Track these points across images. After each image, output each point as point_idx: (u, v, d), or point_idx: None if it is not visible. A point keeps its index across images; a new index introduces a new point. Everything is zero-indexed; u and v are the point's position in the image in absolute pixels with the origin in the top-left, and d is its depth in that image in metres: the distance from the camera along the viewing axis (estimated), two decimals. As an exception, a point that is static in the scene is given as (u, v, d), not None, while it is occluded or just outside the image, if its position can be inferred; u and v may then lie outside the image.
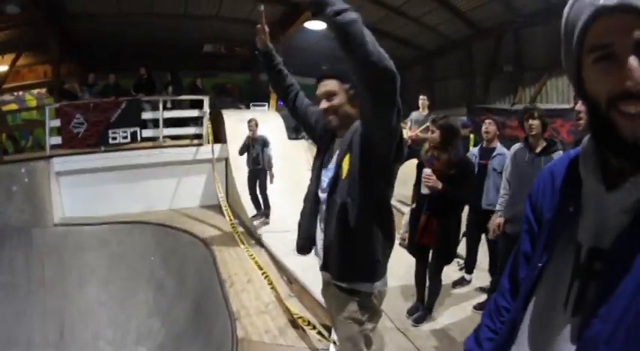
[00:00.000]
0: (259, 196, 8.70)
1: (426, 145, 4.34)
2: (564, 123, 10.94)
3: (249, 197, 8.82)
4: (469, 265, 5.75)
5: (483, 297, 5.16)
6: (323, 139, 2.66)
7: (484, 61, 15.08)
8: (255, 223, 8.70)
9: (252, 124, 8.53)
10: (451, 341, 4.34)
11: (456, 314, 4.92)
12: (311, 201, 2.61)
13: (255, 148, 8.49)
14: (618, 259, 0.92)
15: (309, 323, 4.95)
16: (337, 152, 2.46)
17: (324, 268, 2.59)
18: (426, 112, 8.81)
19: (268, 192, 8.69)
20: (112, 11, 11.70)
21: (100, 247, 8.91)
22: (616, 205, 0.96)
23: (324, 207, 2.50)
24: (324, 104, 2.40)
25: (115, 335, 7.94)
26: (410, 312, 4.79)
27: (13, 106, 13.47)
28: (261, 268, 6.58)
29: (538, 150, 4.12)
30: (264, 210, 8.71)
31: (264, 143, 8.52)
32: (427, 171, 3.95)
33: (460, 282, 5.70)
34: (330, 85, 2.40)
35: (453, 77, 16.39)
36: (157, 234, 8.97)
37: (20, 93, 13.84)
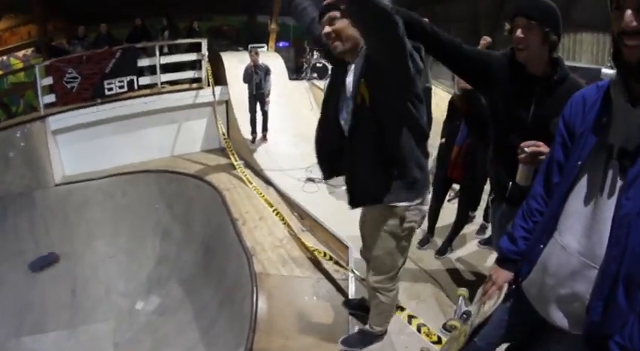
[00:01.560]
0: (260, 118, 9.45)
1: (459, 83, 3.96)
2: None
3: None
4: (473, 202, 5.60)
5: (488, 233, 5.21)
6: (336, 63, 2.78)
7: (490, 9, 15.02)
8: (253, 143, 9.42)
9: (253, 53, 9.21)
10: (462, 271, 4.71)
11: (465, 248, 5.18)
12: (332, 129, 2.76)
13: (259, 75, 9.12)
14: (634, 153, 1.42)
15: (325, 254, 5.08)
16: (351, 80, 2.49)
17: (350, 193, 2.75)
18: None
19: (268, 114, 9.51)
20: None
21: (104, 201, 8.73)
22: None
23: (347, 136, 2.60)
24: (327, 29, 2.41)
25: (127, 286, 7.78)
26: (421, 243, 5.11)
27: (-2, 72, 13.10)
28: (271, 206, 6.59)
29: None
30: (262, 131, 9.53)
31: (267, 71, 9.26)
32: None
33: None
34: (335, 11, 2.38)
35: (456, 22, 16.16)
36: (161, 181, 8.84)
37: (4, 58, 13.35)
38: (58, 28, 12.41)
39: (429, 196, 2.85)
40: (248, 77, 9.16)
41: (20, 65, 12.66)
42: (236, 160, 8.59)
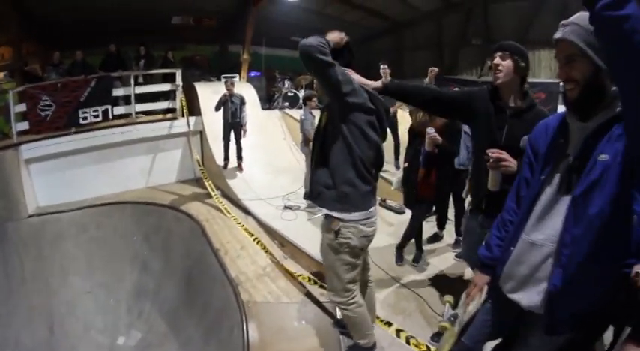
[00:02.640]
0: (234, 147, 9.65)
1: (419, 114, 5.04)
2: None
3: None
4: (441, 222, 6.37)
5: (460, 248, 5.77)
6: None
7: (453, 33, 16.12)
8: (226, 171, 9.64)
9: (229, 83, 9.50)
10: (441, 284, 5.10)
11: (441, 264, 5.66)
12: None
13: (234, 104, 9.42)
14: (583, 158, 1.87)
15: (309, 279, 5.37)
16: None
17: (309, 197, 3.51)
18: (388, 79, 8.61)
19: (242, 144, 9.72)
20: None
21: (79, 234, 8.58)
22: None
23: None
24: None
25: (106, 322, 7.65)
26: (416, 260, 5.62)
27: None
28: (252, 235, 6.72)
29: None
30: (237, 160, 9.73)
31: (242, 100, 9.58)
32: (431, 130, 4.62)
33: (435, 237, 6.40)
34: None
35: (422, 48, 17.31)
36: (137, 213, 8.76)
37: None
38: (31, 52, 12.27)
39: (374, 220, 3.29)
40: (221, 105, 9.39)
41: (-7, 89, 12.52)
42: (213, 191, 8.61)
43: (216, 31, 16.00)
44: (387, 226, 7.09)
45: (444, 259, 5.77)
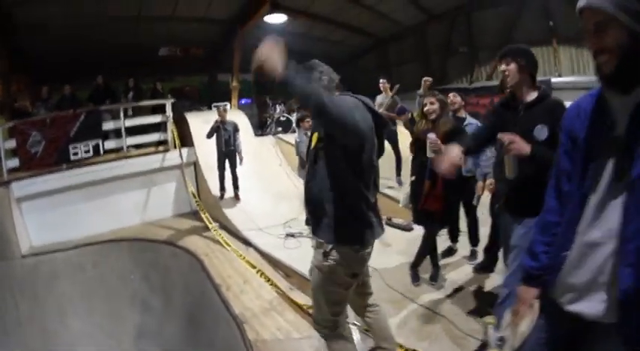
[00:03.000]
0: (230, 176, 9.59)
1: (419, 121, 5.00)
2: None
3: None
4: (453, 234, 6.21)
5: (479, 259, 5.76)
6: None
7: (439, 44, 16.27)
8: (222, 201, 9.56)
9: (221, 110, 9.55)
10: (464, 300, 4.90)
11: (460, 278, 5.46)
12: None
13: (227, 131, 9.36)
14: (633, 136, 1.61)
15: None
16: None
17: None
18: (389, 93, 8.97)
19: (238, 172, 9.61)
20: (62, 19, 11.16)
21: (75, 274, 8.42)
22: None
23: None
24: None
25: (109, 367, 7.48)
26: (433, 278, 5.39)
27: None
28: (254, 267, 6.61)
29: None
30: (234, 190, 9.67)
31: (235, 128, 9.53)
32: (432, 136, 4.38)
33: (449, 251, 6.20)
34: None
35: (409, 62, 17.35)
36: (134, 250, 8.61)
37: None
38: (22, 88, 12.18)
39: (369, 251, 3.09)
40: (214, 132, 9.31)
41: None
42: (210, 223, 8.54)
43: (204, 60, 16.07)
44: (397, 244, 6.93)
45: (462, 273, 5.59)
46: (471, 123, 5.49)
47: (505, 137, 2.95)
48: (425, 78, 6.80)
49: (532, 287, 2.07)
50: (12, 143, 9.42)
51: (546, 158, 2.64)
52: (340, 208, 2.85)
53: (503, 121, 3.38)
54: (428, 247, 5.31)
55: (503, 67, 3.33)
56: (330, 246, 2.86)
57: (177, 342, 6.89)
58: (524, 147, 2.94)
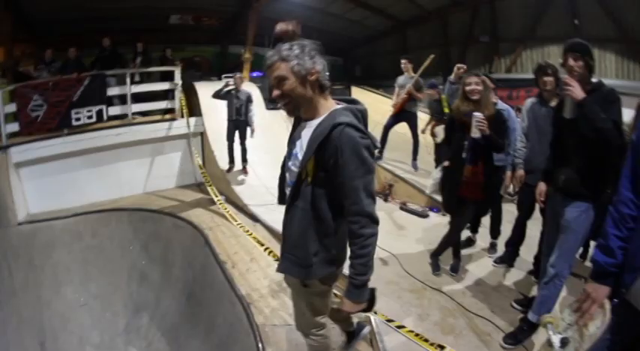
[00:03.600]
0: (239, 148, 9.21)
1: (459, 102, 4.60)
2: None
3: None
4: (475, 225, 6.07)
5: (499, 253, 5.66)
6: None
7: (460, 31, 15.99)
8: (230, 174, 9.16)
9: (238, 78, 9.13)
10: (486, 294, 4.72)
11: (479, 271, 5.29)
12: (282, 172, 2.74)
13: (240, 100, 8.92)
14: None
15: (335, 295, 4.59)
16: (302, 143, 2.44)
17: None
18: (412, 74, 8.72)
19: (247, 145, 9.22)
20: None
21: (72, 242, 8.20)
22: None
23: (288, 188, 2.59)
24: (275, 92, 2.36)
25: (103, 337, 7.22)
26: (454, 270, 5.22)
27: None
28: (262, 244, 6.10)
29: (553, 104, 4.35)
30: (242, 163, 9.30)
31: (249, 98, 9.06)
32: (479, 115, 4.23)
33: (468, 242, 6.02)
34: (279, 69, 2.32)
35: (428, 47, 16.41)
36: (134, 220, 8.37)
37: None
38: (27, 53, 11.94)
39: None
40: (225, 96, 8.90)
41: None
42: (216, 196, 8.27)
43: (216, 31, 15.76)
44: (413, 231, 6.74)
45: (482, 266, 5.42)
46: (502, 109, 5.17)
47: (567, 79, 3.18)
48: (458, 65, 6.48)
49: (604, 285, 1.94)
50: (12, 107, 9.21)
51: (594, 114, 3.05)
52: (328, 247, 2.53)
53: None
54: (455, 237, 5.16)
55: (571, 62, 3.29)
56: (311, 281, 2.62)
57: (175, 317, 6.62)
58: (579, 93, 3.12)
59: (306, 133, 2.41)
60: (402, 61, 8.76)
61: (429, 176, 8.27)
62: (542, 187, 3.93)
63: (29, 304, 7.45)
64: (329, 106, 2.41)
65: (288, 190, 2.59)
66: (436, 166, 8.26)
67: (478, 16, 15.15)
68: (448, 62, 14.95)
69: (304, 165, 2.37)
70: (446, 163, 4.89)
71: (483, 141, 4.31)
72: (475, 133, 4.28)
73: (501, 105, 5.40)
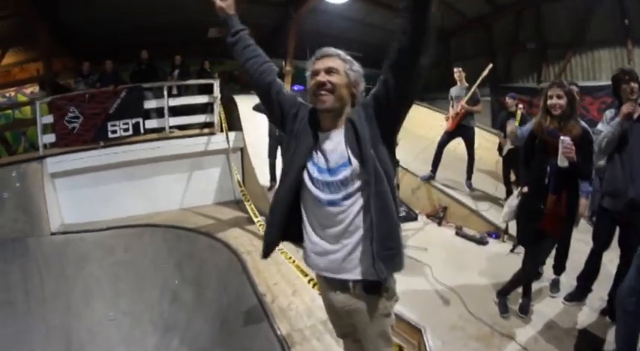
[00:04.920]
0: (281, 165, 8.38)
1: (540, 117, 4.12)
2: (593, 101, 11.74)
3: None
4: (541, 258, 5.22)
5: (567, 289, 5.04)
6: (299, 126, 2.50)
7: (505, 38, 15.69)
8: (271, 193, 8.54)
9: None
10: (559, 340, 4.18)
11: (551, 310, 4.76)
12: (288, 198, 2.53)
13: None
14: None
15: None
16: (338, 148, 2.36)
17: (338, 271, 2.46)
18: (465, 84, 8.53)
19: None
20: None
21: (105, 256, 8.39)
22: None
23: (327, 207, 2.38)
24: (322, 76, 2.33)
25: (130, 355, 7.37)
26: (523, 310, 4.68)
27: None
28: (306, 275, 5.33)
29: (635, 116, 4.02)
30: None
31: None
32: (568, 140, 3.70)
33: (535, 276, 5.25)
34: (334, 62, 2.37)
35: (472, 56, 16.60)
36: (169, 238, 8.44)
37: (12, 94, 13.29)
38: (67, 67, 12.30)
39: None
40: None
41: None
42: (256, 216, 7.92)
43: (257, 44, 15.91)
44: (473, 262, 6.19)
45: (550, 305, 4.85)
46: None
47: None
48: (455, 68, 6.84)
49: None
50: (49, 118, 9.48)
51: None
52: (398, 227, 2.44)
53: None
54: (530, 275, 4.71)
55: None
56: (390, 282, 2.49)
57: (206, 342, 6.53)
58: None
59: (331, 142, 2.38)
60: (455, 70, 8.61)
61: (484, 196, 8.19)
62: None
63: (58, 314, 7.69)
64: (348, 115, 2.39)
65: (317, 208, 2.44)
66: (507, 189, 8.10)
67: (523, 22, 15.01)
68: (494, 71, 14.85)
69: (370, 153, 2.25)
70: (524, 190, 4.41)
71: (566, 169, 3.83)
72: (563, 162, 3.78)
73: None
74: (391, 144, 2.40)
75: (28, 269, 8.07)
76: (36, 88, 12.80)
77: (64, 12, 11.32)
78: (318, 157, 2.40)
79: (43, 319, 7.67)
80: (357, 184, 2.30)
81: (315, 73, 2.38)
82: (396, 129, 2.40)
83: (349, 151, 2.29)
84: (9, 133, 11.95)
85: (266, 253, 2.74)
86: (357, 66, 2.42)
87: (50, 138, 9.39)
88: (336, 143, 2.35)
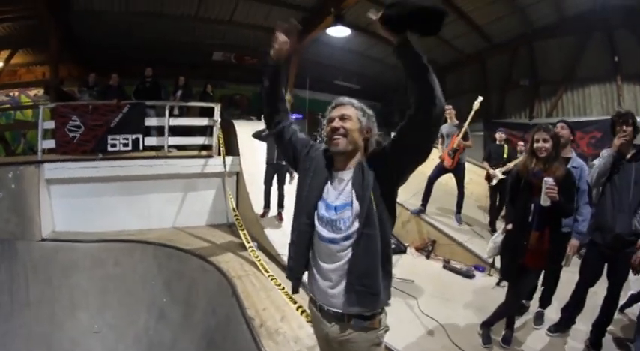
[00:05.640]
0: (276, 194, 8.96)
1: (526, 159, 4.47)
2: (583, 135, 12.38)
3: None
4: (530, 291, 5.58)
5: (551, 320, 5.29)
6: (312, 165, 2.77)
7: (499, 75, 16.24)
8: (264, 220, 8.87)
9: None
10: None
11: (534, 341, 5.01)
12: (308, 233, 2.72)
13: None
14: None
15: None
16: (349, 188, 2.60)
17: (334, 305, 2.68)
18: (455, 121, 8.90)
19: (285, 190, 8.96)
20: (119, 9, 11.56)
21: (94, 267, 8.48)
22: None
23: (328, 244, 2.62)
24: (337, 123, 2.63)
25: (111, 369, 7.43)
26: (506, 341, 4.88)
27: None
28: (294, 302, 5.68)
29: (628, 156, 4.45)
30: (278, 208, 8.96)
31: None
32: (550, 181, 4.02)
33: (519, 309, 5.59)
34: (348, 110, 2.67)
35: (467, 92, 16.69)
36: (160, 255, 8.51)
37: (16, 94, 13.51)
38: (72, 74, 12.51)
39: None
40: (268, 139, 8.62)
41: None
42: (248, 241, 8.08)
43: (258, 70, 16.22)
44: (459, 294, 6.45)
45: (535, 336, 5.11)
46: (575, 166, 4.96)
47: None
48: (446, 106, 6.60)
49: None
50: (51, 124, 9.67)
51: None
52: (390, 271, 2.68)
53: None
54: (512, 308, 4.94)
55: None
56: (381, 314, 2.69)
57: (192, 361, 6.65)
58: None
59: (341, 182, 2.63)
60: (446, 107, 8.66)
61: (473, 231, 8.48)
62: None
63: (41, 320, 7.79)
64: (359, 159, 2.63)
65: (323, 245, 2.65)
66: (490, 219, 8.70)
67: (517, 59, 15.55)
68: (488, 107, 15.21)
69: (369, 197, 2.48)
70: (509, 227, 4.63)
71: (547, 209, 4.13)
72: (545, 202, 4.06)
73: (576, 161, 5.09)
74: (392, 195, 2.61)
75: (15, 272, 8.17)
76: (40, 91, 13.05)
77: (75, 20, 11.63)
78: (328, 194, 2.64)
79: (26, 324, 7.77)
80: (357, 225, 2.52)
81: (331, 120, 2.66)
82: (400, 181, 2.59)
83: (354, 194, 2.54)
84: (9, 133, 12.08)
85: (295, 288, 2.94)
86: (369, 113, 2.72)
87: (50, 144, 9.54)
88: (345, 184, 2.61)
